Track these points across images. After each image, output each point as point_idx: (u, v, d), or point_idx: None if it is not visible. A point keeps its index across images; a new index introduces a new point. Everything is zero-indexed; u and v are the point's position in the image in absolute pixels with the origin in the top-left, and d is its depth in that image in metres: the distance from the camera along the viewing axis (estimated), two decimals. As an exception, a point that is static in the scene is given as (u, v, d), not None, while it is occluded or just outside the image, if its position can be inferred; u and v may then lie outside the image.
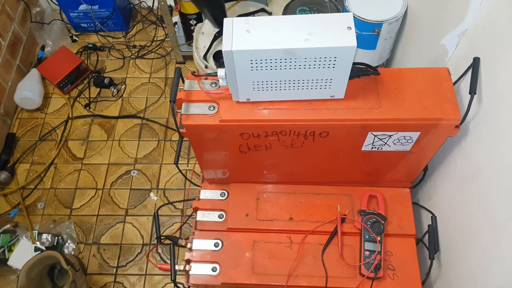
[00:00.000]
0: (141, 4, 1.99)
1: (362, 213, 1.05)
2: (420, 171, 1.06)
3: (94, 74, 1.86)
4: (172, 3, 1.86)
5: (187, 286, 1.08)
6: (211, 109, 0.86)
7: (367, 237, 1.02)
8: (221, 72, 0.80)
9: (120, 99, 1.80)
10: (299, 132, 0.87)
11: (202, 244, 1.08)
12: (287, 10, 1.40)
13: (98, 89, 1.83)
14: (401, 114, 0.82)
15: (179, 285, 1.09)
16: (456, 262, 0.93)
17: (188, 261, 1.06)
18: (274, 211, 1.10)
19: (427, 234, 1.04)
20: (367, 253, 1.01)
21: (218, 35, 1.25)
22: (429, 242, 1.01)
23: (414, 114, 0.82)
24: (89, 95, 1.81)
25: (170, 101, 0.83)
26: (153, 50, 1.93)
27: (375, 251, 1.00)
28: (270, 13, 1.29)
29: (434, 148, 0.93)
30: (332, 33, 0.70)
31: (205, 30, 1.31)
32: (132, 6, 2.04)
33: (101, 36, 1.98)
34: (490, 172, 0.79)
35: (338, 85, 0.79)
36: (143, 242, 1.47)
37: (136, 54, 1.92)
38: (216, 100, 0.87)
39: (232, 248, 1.06)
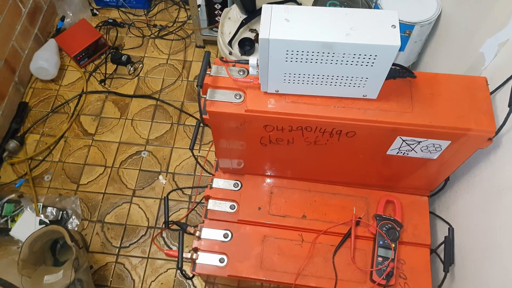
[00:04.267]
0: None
1: (378, 218, 1.03)
2: (442, 181, 1.03)
3: (112, 50, 1.83)
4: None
5: (191, 275, 1.06)
6: (237, 97, 0.83)
7: (381, 243, 1.00)
8: (253, 60, 0.77)
9: (136, 78, 1.77)
10: (325, 129, 0.84)
11: (211, 233, 1.06)
12: (317, 3, 1.36)
13: (115, 65, 1.80)
14: (433, 120, 0.79)
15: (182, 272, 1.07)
16: (472, 278, 0.91)
17: (195, 250, 1.05)
18: (287, 207, 1.08)
19: (442, 245, 1.02)
20: (380, 259, 0.98)
21: (245, 22, 1.21)
22: (444, 254, 0.99)
23: (447, 122, 0.79)
24: (105, 71, 1.79)
25: (197, 86, 0.80)
26: (174, 31, 1.90)
27: (389, 258, 0.98)
28: (300, 4, 1.26)
29: (461, 159, 0.90)
30: (375, 30, 0.67)
31: (231, 16, 1.27)
32: (155, -16, 2.00)
33: (122, 12, 1.95)
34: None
35: (373, 85, 0.76)
36: (148, 224, 1.46)
37: (156, 33, 1.89)
38: (243, 89, 0.84)
39: (242, 241, 1.04)
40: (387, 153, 0.90)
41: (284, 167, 1.06)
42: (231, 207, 1.09)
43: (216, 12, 1.65)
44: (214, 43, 1.83)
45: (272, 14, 0.69)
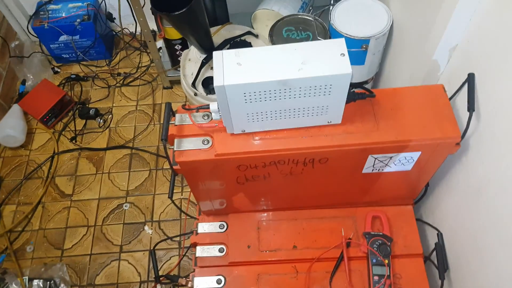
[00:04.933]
0: (124, 31, 1.95)
1: (367, 236, 1.02)
2: (422, 188, 1.03)
3: (78, 106, 1.81)
4: (155, 28, 1.84)
5: (190, 327, 1.03)
6: (205, 143, 0.83)
7: (374, 261, 0.99)
8: (213, 106, 0.77)
9: (107, 129, 1.75)
10: (297, 160, 0.84)
11: (203, 282, 1.03)
12: (273, 31, 1.38)
13: (84, 121, 1.78)
14: (400, 135, 0.80)
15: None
16: (468, 280, 0.90)
17: (190, 301, 1.02)
18: (277, 240, 1.06)
19: (434, 252, 1.02)
20: (376, 278, 0.97)
21: (206, 61, 1.22)
22: (437, 261, 0.98)
23: (413, 135, 0.80)
24: (75, 128, 1.76)
25: (161, 139, 0.79)
26: (139, 77, 1.90)
27: (384, 275, 0.97)
28: (256, 36, 1.28)
29: (435, 166, 0.91)
30: (325, 61, 0.68)
31: (191, 57, 1.28)
32: (114, 33, 2.01)
33: (84, 66, 1.94)
34: (497, 188, 0.77)
35: (335, 111, 0.77)
36: (140, 279, 1.41)
37: (121, 82, 1.89)
38: (210, 133, 0.84)
39: (236, 284, 1.01)
40: (363, 172, 0.90)
41: (266, 200, 1.05)
42: (220, 250, 1.06)
43: (177, 53, 1.67)
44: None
45: (223, 60, 0.70)
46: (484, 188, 0.81)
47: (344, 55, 0.67)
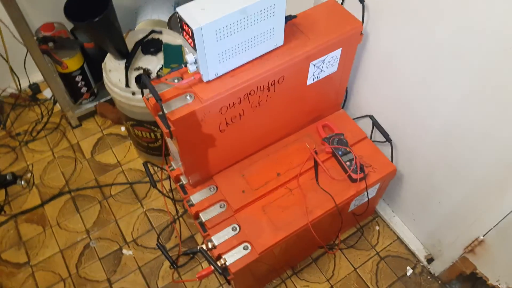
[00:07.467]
0: (4, 93, 1.84)
1: (326, 139, 1.26)
2: (345, 89, 1.32)
3: (-11, 179, 1.64)
4: (36, 80, 1.79)
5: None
6: (190, 97, 0.95)
7: (340, 152, 1.23)
8: (190, 57, 0.90)
9: (34, 186, 1.64)
10: (263, 85, 1.02)
11: (221, 236, 1.12)
12: (171, 23, 1.56)
13: (3, 189, 1.62)
14: (326, 37, 1.06)
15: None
16: (404, 132, 1.21)
17: (219, 256, 1.09)
18: (262, 176, 1.21)
19: (374, 132, 1.31)
20: (348, 163, 1.21)
21: (128, 64, 1.30)
22: (381, 132, 1.28)
23: (334, 34, 1.07)
24: (-5, 201, 1.60)
25: (157, 101, 0.89)
26: (42, 128, 1.81)
27: (353, 158, 1.21)
28: (160, 32, 1.41)
29: (350, 60, 1.19)
30: (265, -12, 0.88)
31: (111, 67, 1.34)
32: (-8, 99, 1.87)
33: (-28, 142, 1.76)
34: (399, 54, 1.09)
35: (278, 33, 0.98)
36: (145, 294, 1.38)
37: (25, 140, 1.77)
38: (190, 89, 0.96)
39: (249, 223, 1.13)
40: (308, 84, 1.13)
41: (242, 144, 1.19)
42: (221, 206, 1.17)
43: (79, 85, 1.68)
44: (89, 116, 1.82)
45: (190, 11, 0.84)
46: (389, 59, 1.13)
47: (275, -20, 0.89)
